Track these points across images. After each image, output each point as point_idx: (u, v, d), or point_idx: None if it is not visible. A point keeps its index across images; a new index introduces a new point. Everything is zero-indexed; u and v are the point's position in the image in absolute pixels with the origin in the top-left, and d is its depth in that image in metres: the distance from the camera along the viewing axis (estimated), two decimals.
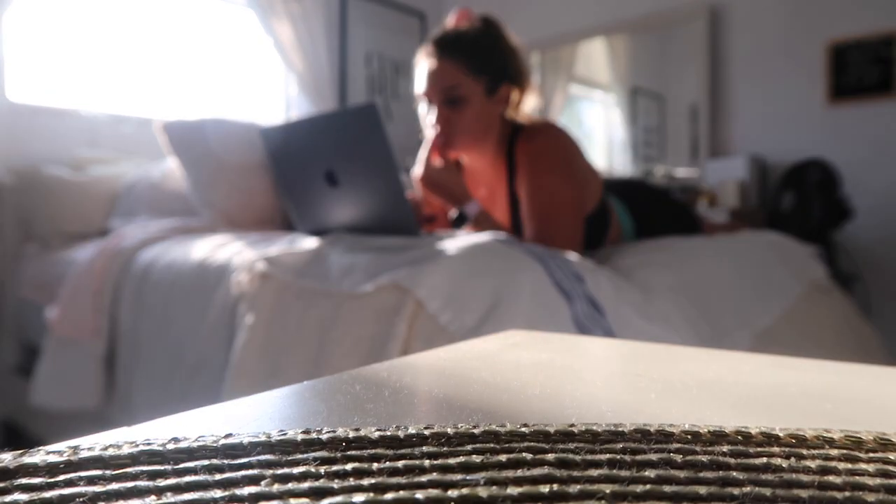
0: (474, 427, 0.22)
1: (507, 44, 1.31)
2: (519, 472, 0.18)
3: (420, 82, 1.29)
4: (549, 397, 0.28)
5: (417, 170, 1.32)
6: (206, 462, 0.19)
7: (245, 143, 1.82)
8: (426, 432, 0.21)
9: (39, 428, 1.82)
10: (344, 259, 1.04)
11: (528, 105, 1.35)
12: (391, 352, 0.86)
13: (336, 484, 0.17)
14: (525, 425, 0.22)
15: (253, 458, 0.19)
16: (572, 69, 3.48)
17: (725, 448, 0.20)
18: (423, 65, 1.28)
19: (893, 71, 2.48)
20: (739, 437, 0.21)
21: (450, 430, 0.21)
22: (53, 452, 0.19)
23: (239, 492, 0.17)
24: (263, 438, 0.20)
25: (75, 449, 0.20)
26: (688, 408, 0.26)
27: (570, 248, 1.16)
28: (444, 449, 0.20)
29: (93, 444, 0.20)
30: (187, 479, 0.18)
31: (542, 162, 1.25)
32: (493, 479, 0.18)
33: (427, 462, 0.19)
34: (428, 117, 1.30)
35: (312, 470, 0.18)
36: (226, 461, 0.19)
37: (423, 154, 1.42)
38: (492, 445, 0.20)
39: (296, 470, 0.18)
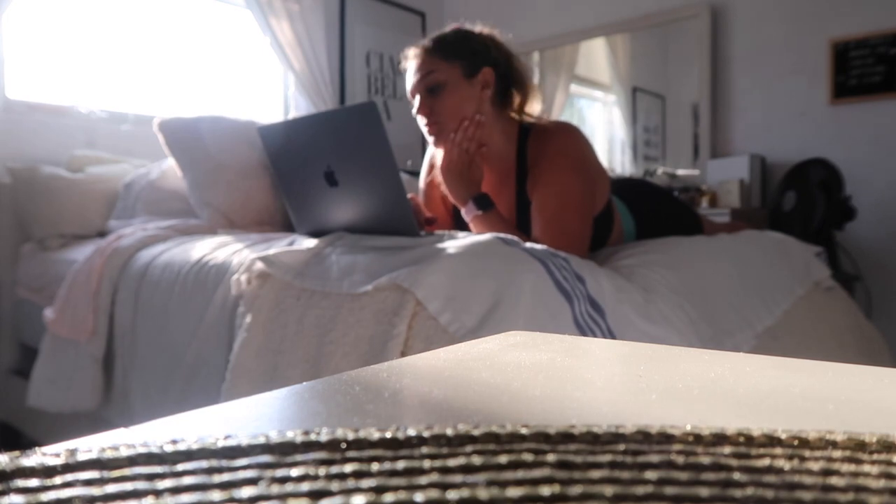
0: (474, 428, 0.21)
1: (489, 39, 1.34)
2: (519, 474, 0.18)
3: (407, 84, 1.33)
4: (550, 398, 0.28)
5: (442, 160, 1.32)
6: (204, 464, 0.19)
7: (244, 141, 1.82)
8: (426, 433, 0.21)
9: (36, 430, 1.82)
10: (343, 259, 1.04)
11: (534, 107, 1.36)
12: (391, 352, 0.86)
13: (335, 485, 0.17)
14: (525, 426, 0.22)
15: (252, 460, 0.19)
16: (573, 69, 3.48)
17: (727, 449, 0.20)
18: (404, 71, 1.34)
19: None
20: (741, 439, 0.21)
21: (449, 432, 0.21)
22: (50, 454, 0.19)
23: (238, 493, 0.17)
24: (262, 440, 0.20)
25: (72, 451, 0.19)
26: (689, 409, 0.26)
27: (578, 251, 1.16)
28: (444, 450, 0.20)
29: (90, 445, 0.20)
30: (186, 480, 0.18)
31: (559, 161, 1.25)
32: (493, 480, 0.18)
33: (427, 463, 0.19)
34: (413, 111, 1.32)
35: (311, 471, 0.18)
36: (224, 462, 0.19)
37: (432, 150, 1.43)
38: (492, 447, 0.20)
39: (295, 471, 0.18)
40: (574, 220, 1.22)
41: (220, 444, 0.20)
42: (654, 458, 0.19)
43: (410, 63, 1.31)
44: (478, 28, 1.35)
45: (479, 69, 1.29)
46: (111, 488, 0.17)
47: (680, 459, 0.19)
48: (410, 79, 1.31)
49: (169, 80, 2.64)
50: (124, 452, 0.19)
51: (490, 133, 1.30)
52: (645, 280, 1.12)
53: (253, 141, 1.78)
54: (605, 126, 3.49)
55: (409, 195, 1.17)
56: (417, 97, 1.30)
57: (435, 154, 1.42)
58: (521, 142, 1.32)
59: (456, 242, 1.01)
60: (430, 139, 1.32)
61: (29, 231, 2.00)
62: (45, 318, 1.57)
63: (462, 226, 1.34)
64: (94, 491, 0.17)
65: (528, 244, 1.06)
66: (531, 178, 1.28)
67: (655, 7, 3.06)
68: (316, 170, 1.19)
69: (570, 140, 1.29)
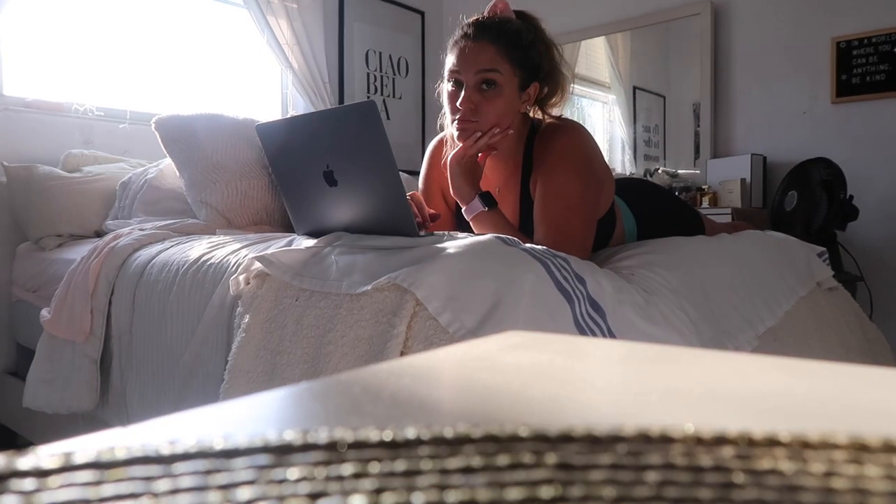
0: (474, 429, 0.21)
1: (544, 42, 1.29)
2: (519, 475, 0.18)
3: (452, 61, 1.25)
4: (550, 399, 0.28)
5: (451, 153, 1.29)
6: (202, 465, 0.19)
7: (243, 140, 1.81)
8: (425, 434, 0.21)
9: (32, 431, 1.82)
10: (342, 259, 1.03)
11: (554, 108, 1.33)
12: (390, 352, 0.86)
13: (334, 487, 0.17)
14: (525, 427, 0.22)
15: (250, 461, 0.19)
16: (573, 68, 3.47)
17: (728, 451, 0.20)
18: (458, 45, 1.24)
19: None
20: (743, 440, 0.21)
21: (449, 432, 0.21)
22: (46, 456, 0.19)
23: (236, 495, 0.17)
24: (261, 441, 0.20)
25: (68, 452, 0.19)
26: (690, 410, 0.26)
27: (580, 253, 1.16)
28: (443, 451, 0.20)
29: (86, 446, 0.20)
30: (183, 482, 0.18)
31: (562, 163, 1.24)
32: (492, 481, 0.18)
33: (426, 464, 0.19)
34: (450, 97, 1.26)
35: (310, 473, 0.18)
36: (222, 464, 0.19)
37: (433, 146, 1.41)
38: (491, 448, 0.20)
39: (293, 472, 0.18)
40: (576, 222, 1.21)
41: (218, 445, 0.20)
42: (655, 460, 0.19)
43: (469, 42, 1.22)
44: (519, 14, 1.27)
45: (531, 83, 1.26)
46: (108, 490, 0.17)
47: (681, 461, 0.19)
48: (461, 58, 1.22)
49: (167, 78, 2.63)
50: (121, 454, 0.19)
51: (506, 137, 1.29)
52: (645, 281, 1.12)
53: (251, 140, 1.78)
54: (605, 125, 3.49)
55: (409, 193, 1.17)
56: (465, 84, 1.22)
57: (440, 147, 1.42)
58: (528, 139, 1.31)
59: (456, 242, 1.00)
60: (455, 127, 1.26)
61: (25, 231, 1.99)
62: (41, 319, 1.56)
63: (464, 222, 1.34)
64: (91, 493, 0.17)
65: (529, 245, 1.06)
66: (533, 176, 1.28)
67: (656, 6, 3.06)
68: (315, 169, 1.18)
69: (574, 140, 1.28)
